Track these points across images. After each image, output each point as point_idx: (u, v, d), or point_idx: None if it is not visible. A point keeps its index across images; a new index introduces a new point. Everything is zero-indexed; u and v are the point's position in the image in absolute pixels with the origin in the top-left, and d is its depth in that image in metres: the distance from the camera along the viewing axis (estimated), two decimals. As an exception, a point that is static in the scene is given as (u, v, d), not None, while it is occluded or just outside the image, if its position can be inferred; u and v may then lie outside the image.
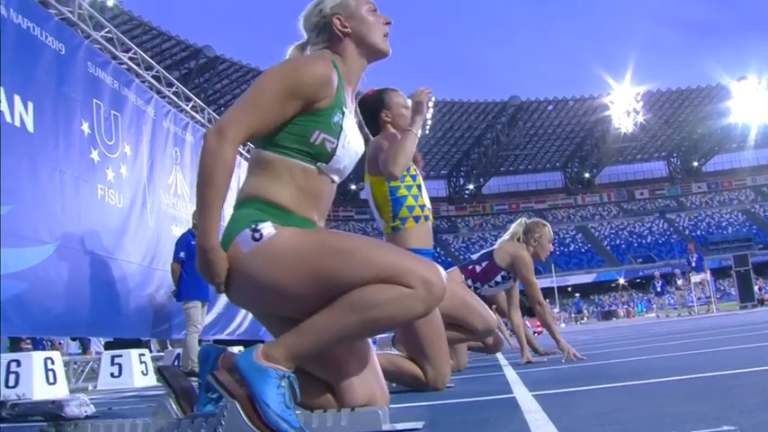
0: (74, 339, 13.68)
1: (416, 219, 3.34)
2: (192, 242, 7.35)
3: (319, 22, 2.09)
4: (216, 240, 1.81)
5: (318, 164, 1.93)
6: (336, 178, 2.03)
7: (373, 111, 3.45)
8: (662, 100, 63.99)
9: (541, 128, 66.86)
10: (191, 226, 7.76)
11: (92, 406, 2.01)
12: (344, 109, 1.98)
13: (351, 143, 2.00)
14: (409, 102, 3.40)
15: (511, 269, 4.98)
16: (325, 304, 1.77)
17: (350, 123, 2.00)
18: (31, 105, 5.98)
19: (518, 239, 5.11)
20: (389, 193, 3.35)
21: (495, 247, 5.27)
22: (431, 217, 3.46)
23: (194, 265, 6.50)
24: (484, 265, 5.05)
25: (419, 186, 3.40)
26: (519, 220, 5.38)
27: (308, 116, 1.90)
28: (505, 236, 5.29)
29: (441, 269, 1.83)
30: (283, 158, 1.91)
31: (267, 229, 1.83)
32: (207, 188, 1.81)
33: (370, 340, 2.10)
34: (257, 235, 1.82)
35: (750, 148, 71.52)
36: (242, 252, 1.83)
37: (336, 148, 1.94)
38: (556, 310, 50.73)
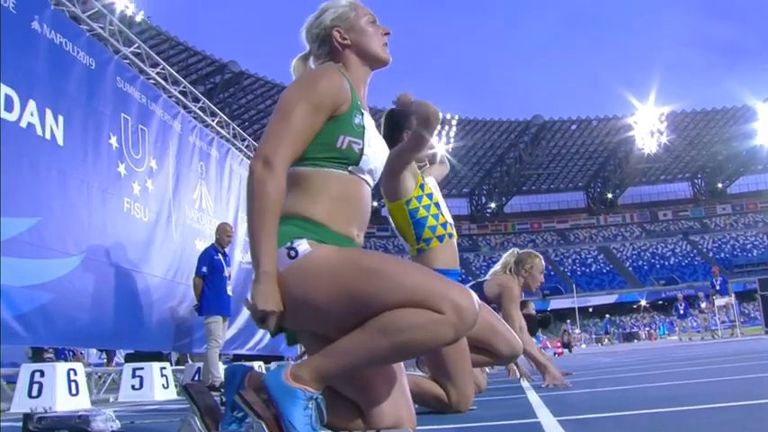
0: (100, 350, 13.76)
1: (440, 238, 3.33)
2: (215, 257, 7.41)
3: (320, 34, 2.14)
4: (271, 266, 1.80)
5: (350, 168, 1.96)
6: (370, 180, 2.06)
7: (397, 126, 3.44)
8: (686, 120, 63.49)
9: (564, 147, 66.58)
10: (214, 241, 7.81)
11: (117, 421, 2.02)
12: (362, 110, 2.02)
13: (375, 142, 2.04)
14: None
15: (497, 301, 4.96)
16: (357, 324, 1.76)
17: (370, 123, 2.04)
18: (61, 119, 6.09)
19: (509, 270, 5.11)
20: (409, 216, 3.34)
21: (486, 278, 5.27)
22: (454, 234, 3.45)
23: (216, 280, 6.55)
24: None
25: (437, 204, 3.39)
26: (511, 250, 5.37)
27: (331, 123, 1.94)
28: (497, 266, 5.29)
29: (473, 295, 1.81)
30: (315, 170, 1.93)
31: (302, 246, 1.84)
32: (263, 216, 1.82)
33: (401, 363, 2.09)
34: (293, 253, 1.83)
35: (776, 170, 70.63)
36: (278, 270, 1.84)
37: (363, 148, 1.97)
38: (577, 330, 50.27)
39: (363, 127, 1.98)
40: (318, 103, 1.91)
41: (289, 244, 1.85)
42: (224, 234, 7.77)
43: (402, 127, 3.43)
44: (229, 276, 7.70)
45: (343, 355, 1.76)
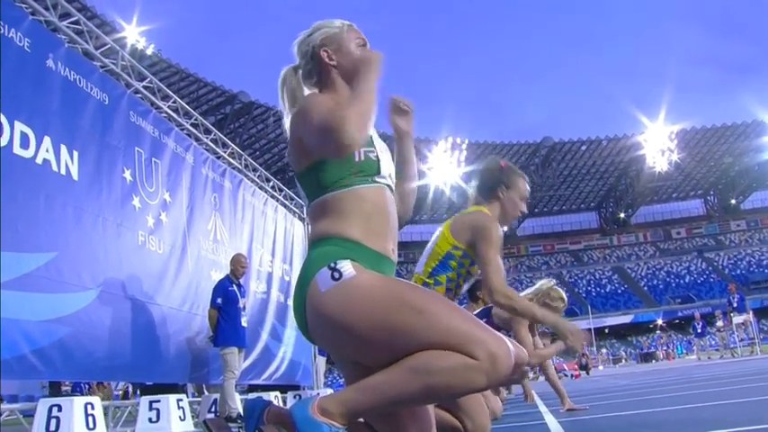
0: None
1: (448, 291, 3.30)
2: (230, 288, 7.44)
3: (309, 51, 2.16)
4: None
5: (374, 177, 1.97)
6: (391, 184, 2.07)
7: (494, 183, 3.44)
8: (697, 138, 63.32)
9: (575, 168, 66.51)
10: (228, 272, 7.83)
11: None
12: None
13: (380, 145, 2.06)
14: (527, 190, 3.44)
15: (507, 326, 4.90)
16: (391, 358, 1.74)
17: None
18: (76, 154, 6.16)
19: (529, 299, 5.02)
20: (446, 254, 3.30)
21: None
22: (458, 297, 3.44)
23: (231, 311, 6.56)
24: (483, 321, 4.97)
25: (468, 273, 3.33)
26: (544, 280, 5.22)
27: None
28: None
29: (509, 343, 1.77)
30: (344, 191, 1.93)
31: (347, 268, 1.82)
32: None
33: None
34: (336, 275, 1.81)
35: (789, 184, 70.23)
36: (320, 291, 1.82)
37: (377, 153, 2.00)
38: (593, 348, 49.78)
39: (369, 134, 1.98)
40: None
41: (332, 264, 1.83)
42: (238, 265, 7.78)
43: (498, 186, 3.44)
44: (244, 307, 7.71)
45: (372, 392, 1.74)
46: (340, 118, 1.77)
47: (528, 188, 3.53)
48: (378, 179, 1.97)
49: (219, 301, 7.43)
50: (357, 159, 1.94)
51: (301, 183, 2.04)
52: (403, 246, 68.44)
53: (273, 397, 9.67)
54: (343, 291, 1.80)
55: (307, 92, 2.19)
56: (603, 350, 57.63)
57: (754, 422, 2.57)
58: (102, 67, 7.22)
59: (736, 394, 4.47)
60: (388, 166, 2.05)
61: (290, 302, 11.70)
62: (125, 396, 14.36)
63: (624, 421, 3.46)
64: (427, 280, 3.30)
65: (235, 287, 7.65)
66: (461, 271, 3.31)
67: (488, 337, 1.71)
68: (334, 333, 1.84)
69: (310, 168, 1.98)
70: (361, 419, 2.00)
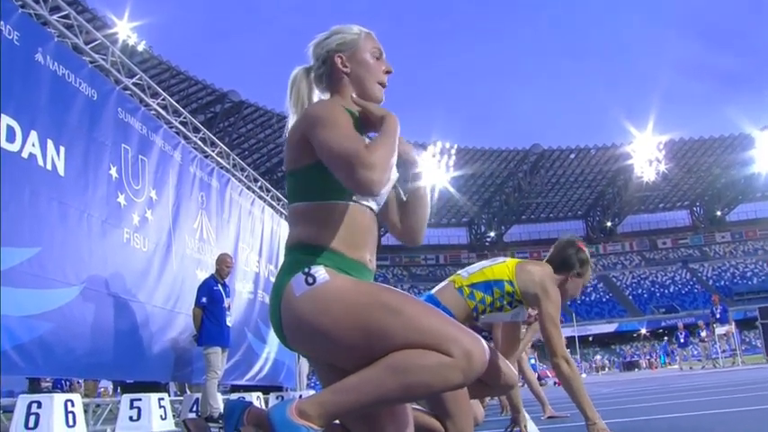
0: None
1: (475, 309, 3.39)
2: (215, 288, 7.41)
3: (323, 55, 2.11)
4: None
5: (354, 197, 1.92)
6: (374, 206, 2.02)
7: (570, 264, 3.50)
8: (684, 149, 63.73)
9: (563, 176, 66.76)
10: (214, 271, 7.81)
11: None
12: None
13: None
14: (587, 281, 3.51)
15: (489, 329, 4.90)
16: (367, 360, 1.75)
17: None
18: (62, 149, 6.13)
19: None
20: (498, 280, 3.40)
21: None
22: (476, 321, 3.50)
23: (216, 311, 6.53)
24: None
25: (500, 309, 3.43)
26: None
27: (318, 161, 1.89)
28: None
29: (484, 343, 1.79)
30: (322, 203, 1.91)
31: (320, 273, 1.82)
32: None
33: None
34: (310, 279, 1.82)
35: (775, 197, 70.83)
36: (294, 296, 1.82)
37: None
38: (577, 356, 49.94)
39: None
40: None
41: (306, 270, 1.83)
42: (223, 265, 7.76)
43: (571, 267, 3.51)
44: (228, 307, 7.69)
45: (350, 392, 1.75)
46: (370, 164, 1.72)
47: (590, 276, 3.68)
48: (358, 198, 1.94)
49: (204, 300, 7.41)
50: None
51: (293, 179, 1.98)
52: (389, 249, 68.61)
53: (256, 398, 9.64)
54: (317, 295, 1.80)
55: (317, 95, 2.15)
56: (597, 357, 57.89)
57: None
58: (91, 63, 7.19)
59: (715, 405, 4.50)
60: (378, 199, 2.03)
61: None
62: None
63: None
64: (465, 287, 3.40)
65: (220, 287, 7.62)
66: (497, 304, 3.39)
67: (463, 336, 1.73)
68: (311, 337, 1.84)
69: (309, 168, 1.92)
70: (338, 422, 2.00)
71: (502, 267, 3.44)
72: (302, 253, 1.90)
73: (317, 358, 2.00)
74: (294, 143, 1.94)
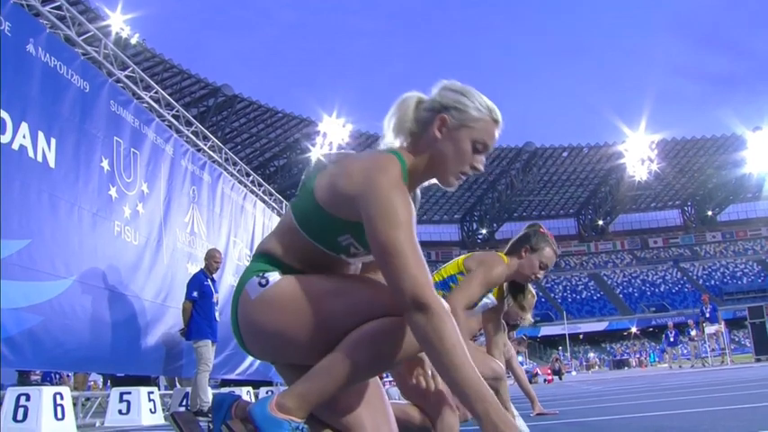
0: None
1: None
2: (205, 282, 7.39)
3: (435, 104, 1.87)
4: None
5: (341, 255, 1.89)
6: (358, 265, 2.01)
7: (523, 241, 3.55)
8: (677, 148, 64.00)
9: (555, 174, 66.94)
10: (203, 266, 7.82)
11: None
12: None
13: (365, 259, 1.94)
14: (550, 260, 3.53)
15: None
16: (328, 347, 1.77)
17: None
18: (53, 141, 6.10)
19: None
20: (450, 276, 3.56)
21: None
22: None
23: (206, 305, 6.48)
24: None
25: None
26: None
27: (351, 224, 1.79)
28: None
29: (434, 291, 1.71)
30: (316, 246, 1.86)
31: (273, 276, 1.84)
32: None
33: (383, 389, 2.09)
34: (263, 281, 1.83)
35: (765, 198, 71.32)
36: (249, 299, 1.85)
37: (360, 253, 1.88)
38: (567, 354, 50.11)
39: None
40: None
41: (261, 274, 1.85)
42: (212, 260, 7.72)
43: (524, 243, 3.55)
44: (217, 302, 7.67)
45: (323, 375, 1.76)
46: (433, 311, 1.61)
47: (553, 259, 3.62)
48: (342, 257, 1.90)
49: (195, 294, 7.39)
50: (340, 240, 1.84)
51: (311, 208, 1.84)
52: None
53: (245, 392, 9.63)
54: (269, 296, 1.82)
55: (399, 139, 1.92)
56: (591, 354, 57.99)
57: (722, 431, 2.61)
58: (83, 55, 7.15)
59: (702, 403, 4.53)
60: (365, 261, 2.00)
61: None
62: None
63: (590, 427, 3.49)
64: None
65: (209, 281, 7.61)
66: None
67: (410, 290, 1.64)
68: (270, 338, 1.85)
69: (332, 220, 1.81)
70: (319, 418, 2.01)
71: (452, 264, 3.62)
72: (264, 262, 1.91)
73: (280, 359, 2.00)
74: (341, 190, 1.77)
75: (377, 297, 1.76)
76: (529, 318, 4.38)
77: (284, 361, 2.00)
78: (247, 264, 7.95)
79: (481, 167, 1.91)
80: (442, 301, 1.65)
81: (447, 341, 1.58)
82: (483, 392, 1.57)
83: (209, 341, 7.32)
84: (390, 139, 1.92)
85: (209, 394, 7.11)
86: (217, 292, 7.74)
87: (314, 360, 1.81)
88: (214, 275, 7.79)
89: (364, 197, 1.70)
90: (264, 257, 1.93)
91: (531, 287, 4.39)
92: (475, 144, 1.86)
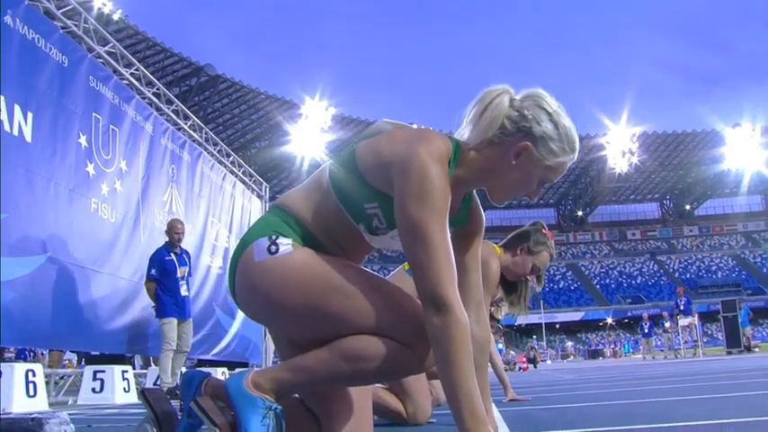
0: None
1: None
2: (167, 258, 7.22)
3: (523, 127, 1.71)
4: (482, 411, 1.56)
5: (360, 224, 1.78)
6: (372, 243, 1.88)
7: (522, 239, 3.50)
8: (657, 142, 64.46)
9: (537, 164, 67.16)
10: (166, 240, 7.59)
11: (72, 425, 2.00)
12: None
13: (392, 241, 1.82)
14: (544, 266, 3.46)
15: None
16: (320, 338, 1.73)
17: None
18: (30, 116, 6.02)
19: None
20: None
21: None
22: None
23: (169, 283, 6.35)
24: None
25: None
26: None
27: (384, 196, 1.71)
28: None
29: None
30: (337, 203, 1.78)
31: (285, 244, 1.74)
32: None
33: None
34: (273, 248, 1.74)
35: (742, 194, 72.15)
36: (253, 260, 1.76)
37: (381, 232, 1.79)
38: (543, 343, 50.55)
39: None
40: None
41: (273, 237, 1.76)
42: (173, 231, 7.48)
43: (522, 241, 3.50)
44: (183, 276, 7.45)
45: (302, 372, 1.74)
46: (448, 307, 1.56)
47: (547, 264, 3.56)
48: (362, 228, 1.79)
49: (154, 272, 7.24)
50: (366, 207, 1.75)
51: (350, 174, 1.76)
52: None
53: (221, 373, 9.62)
54: (275, 266, 1.73)
55: (480, 138, 1.75)
56: (569, 343, 58.36)
57: (685, 418, 2.65)
58: (63, 29, 7.04)
59: (670, 393, 4.59)
60: (381, 245, 1.88)
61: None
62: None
63: (560, 413, 3.53)
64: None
65: (173, 256, 7.41)
66: None
67: (419, 324, 1.64)
68: (262, 306, 1.80)
69: (366, 189, 1.73)
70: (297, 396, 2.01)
71: None
72: (282, 220, 1.82)
73: (267, 326, 1.99)
74: (380, 154, 1.71)
75: (386, 312, 1.68)
76: (524, 310, 4.17)
77: (271, 329, 1.98)
78: (226, 245, 7.86)
79: (534, 199, 1.85)
80: (460, 302, 1.59)
81: (456, 345, 1.54)
82: (477, 408, 1.52)
83: (174, 319, 7.20)
84: (468, 135, 1.77)
85: (169, 374, 7.00)
86: (184, 265, 7.52)
87: (299, 340, 1.81)
88: (179, 249, 7.55)
89: (401, 165, 1.62)
90: (283, 213, 1.84)
91: (527, 300, 4.25)
92: (543, 181, 1.78)
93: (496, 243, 3.54)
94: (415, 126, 1.92)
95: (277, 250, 1.74)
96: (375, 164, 1.70)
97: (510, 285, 3.58)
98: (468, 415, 1.51)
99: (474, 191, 1.91)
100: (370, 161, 1.71)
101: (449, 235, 1.62)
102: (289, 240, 1.76)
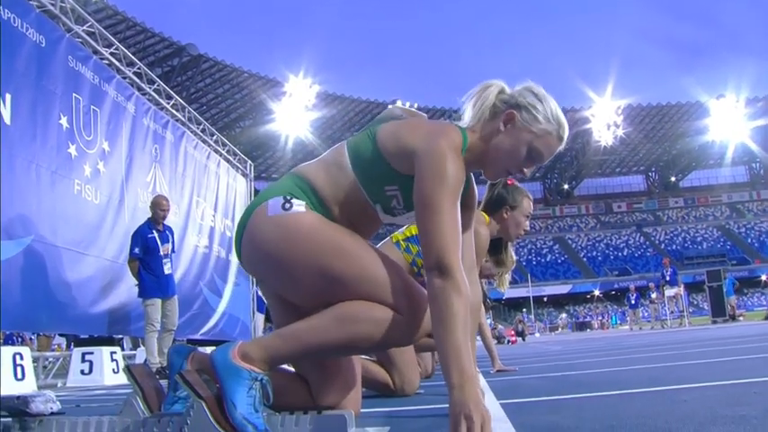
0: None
1: (413, 263, 3.46)
2: (149, 235, 7.14)
3: (512, 101, 1.90)
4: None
5: (377, 205, 1.90)
6: (385, 221, 1.99)
7: (500, 201, 3.55)
8: (642, 114, 64.65)
9: (522, 138, 67.23)
10: (149, 217, 7.51)
11: (58, 403, 1.99)
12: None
13: (406, 218, 1.94)
14: (530, 209, 3.50)
15: None
16: (317, 300, 1.80)
17: None
18: (8, 97, 5.94)
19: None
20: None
21: None
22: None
23: (152, 261, 6.28)
24: None
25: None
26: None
27: (404, 177, 1.82)
28: None
29: None
30: (356, 182, 1.87)
31: (298, 204, 1.84)
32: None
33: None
34: (287, 205, 1.83)
35: (727, 165, 72.65)
36: (267, 214, 1.84)
37: (398, 212, 1.91)
38: (531, 316, 50.93)
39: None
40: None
41: (288, 197, 1.85)
42: (158, 208, 7.40)
43: (503, 203, 3.56)
44: (167, 254, 7.39)
45: (295, 339, 1.77)
46: (452, 276, 1.65)
47: (531, 205, 3.66)
48: (378, 208, 1.91)
49: (137, 251, 7.15)
50: (386, 189, 1.87)
51: (370, 152, 1.87)
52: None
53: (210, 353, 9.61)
54: (287, 221, 1.82)
55: (474, 120, 1.94)
56: (563, 315, 58.64)
57: (666, 383, 2.68)
58: (39, 8, 6.93)
59: (657, 360, 4.64)
60: (397, 222, 1.99)
61: (231, 257, 11.62)
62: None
63: (548, 381, 3.57)
64: (401, 242, 3.48)
65: (155, 233, 7.32)
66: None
67: (414, 294, 1.77)
68: (265, 261, 1.86)
69: (386, 169, 1.84)
70: (291, 368, 2.03)
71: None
72: (298, 186, 1.90)
73: (267, 282, 2.02)
74: (403, 141, 1.83)
75: (384, 280, 1.76)
76: (505, 280, 4.22)
77: (271, 286, 2.02)
78: (212, 225, 7.83)
79: (527, 174, 1.95)
80: (463, 272, 1.68)
81: (452, 308, 1.61)
82: (466, 367, 1.56)
83: (158, 300, 7.16)
84: (467, 119, 1.95)
85: (156, 355, 6.98)
86: (166, 242, 7.44)
87: (297, 300, 1.88)
88: (162, 226, 7.45)
89: (423, 153, 1.75)
90: (301, 181, 1.92)
91: (512, 252, 4.33)
92: (531, 151, 1.88)
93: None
94: (410, 107, 2.03)
95: (291, 207, 1.83)
96: (398, 150, 1.83)
97: (494, 247, 3.67)
98: (456, 372, 1.55)
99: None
100: (392, 147, 1.84)
101: (459, 214, 1.74)
102: (302, 202, 1.85)
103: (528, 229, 3.65)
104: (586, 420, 1.78)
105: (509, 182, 3.59)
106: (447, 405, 1.53)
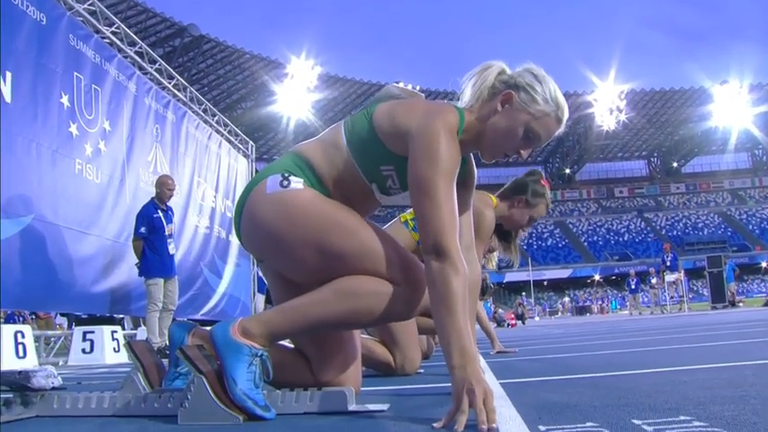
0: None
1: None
2: (155, 215, 7.12)
3: (510, 81, 1.86)
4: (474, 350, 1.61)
5: (372, 184, 1.90)
6: (382, 201, 2.00)
7: (520, 190, 3.54)
8: (645, 99, 64.42)
9: (524, 122, 67.09)
10: (153, 196, 7.50)
11: (59, 378, 2.00)
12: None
13: (401, 199, 1.95)
14: (539, 216, 3.49)
15: None
16: (316, 275, 1.80)
17: None
18: (9, 75, 5.91)
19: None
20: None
21: None
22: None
23: (157, 241, 6.26)
24: None
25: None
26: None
27: (399, 158, 1.82)
28: None
29: None
30: (352, 162, 1.88)
31: (296, 181, 1.85)
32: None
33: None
34: (285, 183, 1.84)
35: (729, 151, 72.49)
36: (265, 192, 1.86)
37: (394, 192, 1.91)
38: (531, 300, 51.05)
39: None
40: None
41: (286, 174, 1.86)
42: (164, 187, 7.39)
43: (522, 192, 3.54)
44: (171, 234, 7.41)
45: (295, 313, 1.79)
46: (450, 260, 1.64)
47: (543, 214, 3.64)
48: (374, 187, 1.91)
49: (143, 230, 7.14)
50: (381, 169, 1.87)
51: (367, 132, 1.87)
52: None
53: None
54: (285, 198, 1.83)
55: (473, 101, 1.91)
56: (566, 299, 58.69)
57: (667, 365, 2.69)
58: (40, -14, 6.88)
59: (656, 344, 4.66)
60: (393, 202, 1.99)
61: (232, 238, 11.63)
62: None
63: (546, 363, 3.58)
64: (410, 221, 3.48)
65: (160, 213, 7.32)
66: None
67: (413, 267, 1.79)
68: (265, 238, 1.87)
69: (383, 151, 1.84)
70: (290, 344, 2.04)
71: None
72: (296, 164, 1.91)
73: (267, 260, 2.02)
74: (398, 121, 1.82)
75: (383, 254, 1.78)
76: (493, 257, 4.28)
77: (270, 263, 2.02)
78: (212, 205, 7.85)
79: (524, 155, 1.92)
80: (460, 252, 1.68)
81: (451, 289, 1.61)
82: (467, 347, 1.56)
83: (161, 279, 7.17)
84: (467, 99, 1.93)
85: (157, 334, 7.00)
86: (170, 222, 7.46)
87: (297, 277, 1.88)
88: (165, 205, 7.45)
89: (417, 134, 1.75)
90: (299, 159, 1.93)
91: (518, 243, 4.32)
92: (528, 132, 1.84)
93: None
94: (409, 87, 2.04)
95: (289, 184, 1.84)
96: (393, 131, 1.82)
97: (504, 233, 3.66)
98: (457, 352, 1.55)
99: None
100: (387, 127, 1.83)
101: (455, 196, 1.73)
102: (300, 179, 1.86)
103: (525, 233, 3.65)
104: (585, 398, 1.79)
105: (542, 180, 3.57)
106: (448, 384, 1.54)
